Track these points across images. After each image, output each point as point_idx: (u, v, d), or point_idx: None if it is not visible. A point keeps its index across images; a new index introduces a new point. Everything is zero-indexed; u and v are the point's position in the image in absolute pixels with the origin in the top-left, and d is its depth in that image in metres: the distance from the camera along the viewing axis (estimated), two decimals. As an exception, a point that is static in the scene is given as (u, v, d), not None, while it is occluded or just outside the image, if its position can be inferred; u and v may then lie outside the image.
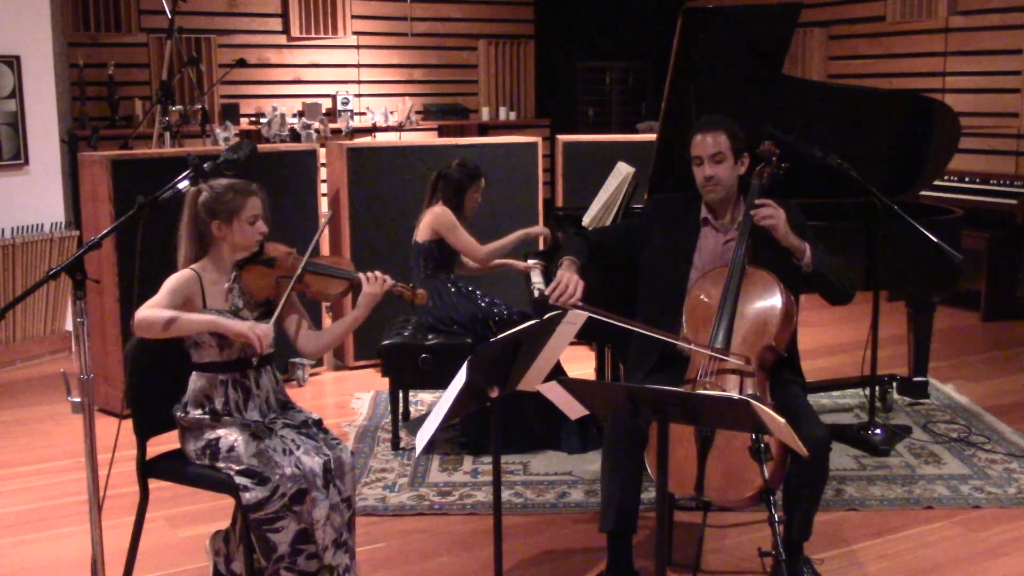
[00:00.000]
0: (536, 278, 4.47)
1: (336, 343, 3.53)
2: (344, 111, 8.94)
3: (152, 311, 2.89)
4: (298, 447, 2.98)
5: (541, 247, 4.78)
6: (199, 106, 7.50)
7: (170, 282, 2.99)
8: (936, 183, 6.78)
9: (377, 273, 3.16)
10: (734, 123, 3.39)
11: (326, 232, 5.86)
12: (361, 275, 3.15)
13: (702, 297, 3.26)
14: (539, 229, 4.98)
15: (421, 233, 4.56)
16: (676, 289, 3.37)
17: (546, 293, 3.24)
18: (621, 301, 3.52)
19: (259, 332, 2.92)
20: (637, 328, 3.14)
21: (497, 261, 4.70)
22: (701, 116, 4.14)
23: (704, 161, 3.34)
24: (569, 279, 3.25)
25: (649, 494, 3.47)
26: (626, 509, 3.16)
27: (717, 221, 3.42)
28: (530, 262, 4.71)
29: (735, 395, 2.41)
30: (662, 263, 3.45)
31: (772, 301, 3.18)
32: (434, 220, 4.51)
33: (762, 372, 3.12)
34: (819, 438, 3.02)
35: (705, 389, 3.03)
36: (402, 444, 4.51)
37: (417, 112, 9.26)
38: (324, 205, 5.87)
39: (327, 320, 5.78)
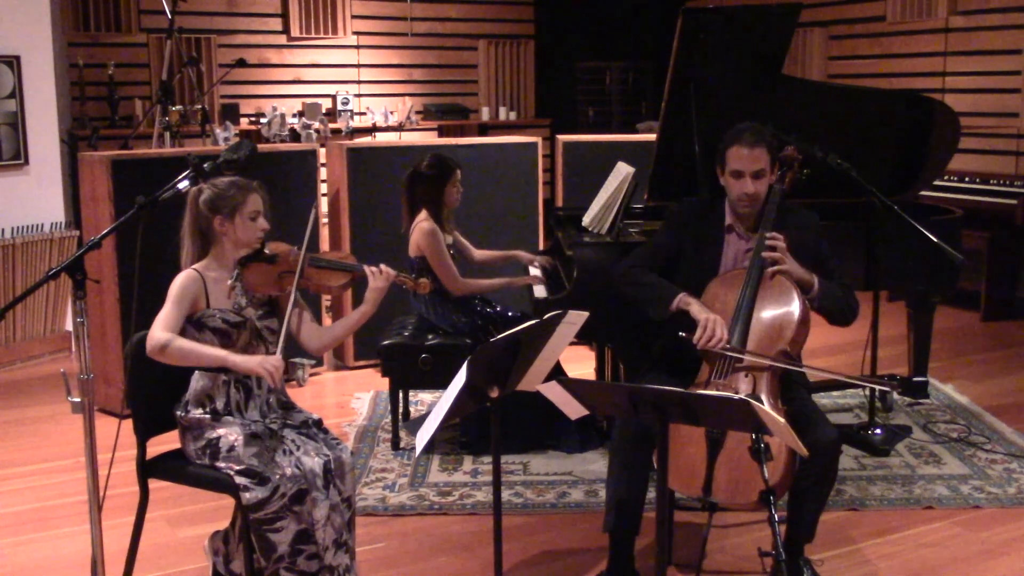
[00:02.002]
0: (539, 292, 4.46)
1: (341, 339, 3.51)
2: (344, 111, 8.94)
3: (166, 338, 2.90)
4: (298, 447, 2.98)
5: (542, 293, 4.52)
6: (199, 106, 7.50)
7: (174, 289, 2.99)
8: (936, 183, 6.78)
9: (382, 267, 3.16)
10: (769, 133, 3.32)
11: (325, 232, 5.89)
12: (367, 268, 3.15)
13: (716, 302, 3.24)
14: (527, 280, 4.65)
15: (412, 249, 4.49)
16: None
17: (694, 341, 3.09)
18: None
19: (268, 367, 2.91)
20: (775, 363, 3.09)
21: (497, 281, 4.61)
22: (701, 116, 4.16)
23: (745, 175, 3.26)
24: (715, 322, 3.12)
25: (650, 494, 3.47)
26: (630, 510, 3.16)
27: (740, 228, 3.39)
28: (533, 272, 4.69)
29: (735, 395, 2.41)
30: (691, 273, 3.39)
31: (790, 307, 3.17)
32: (421, 238, 4.42)
33: (774, 376, 3.11)
34: (831, 440, 3.02)
35: (717, 390, 3.03)
36: (402, 444, 4.51)
37: (417, 112, 9.26)
38: (324, 205, 5.87)
39: (327, 320, 5.77)
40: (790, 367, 3.09)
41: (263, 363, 2.92)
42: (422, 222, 4.45)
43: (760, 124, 3.34)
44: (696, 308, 3.20)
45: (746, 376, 3.09)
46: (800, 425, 2.83)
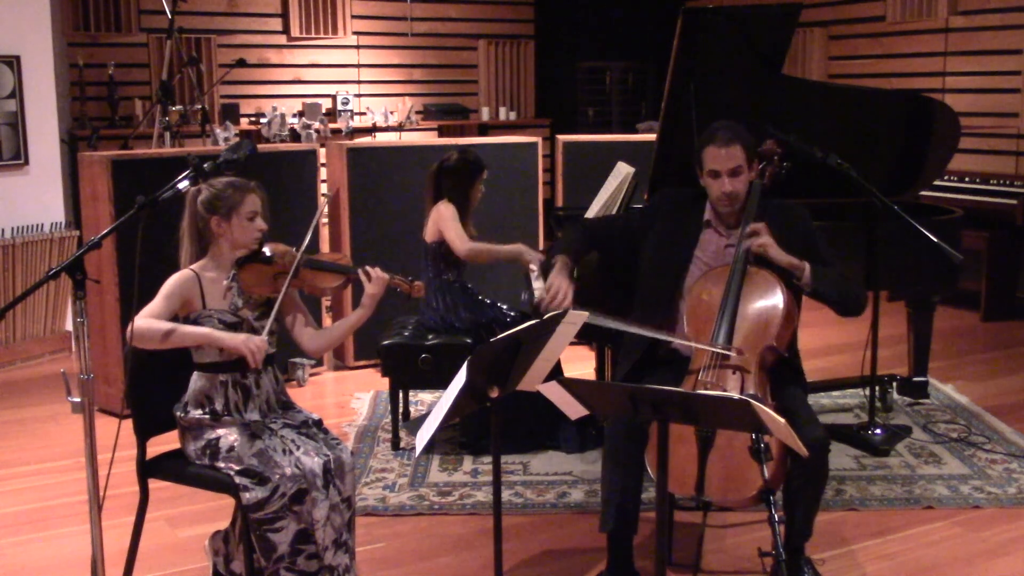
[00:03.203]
0: (536, 282, 4.45)
1: (339, 342, 3.52)
2: (344, 111, 8.94)
3: (148, 322, 2.90)
4: (298, 447, 2.98)
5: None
6: (199, 106, 7.49)
7: (167, 285, 2.99)
8: (936, 183, 6.78)
9: (377, 271, 3.16)
10: (744, 129, 3.33)
11: (326, 232, 5.89)
12: (360, 271, 3.15)
13: (703, 297, 3.25)
14: (535, 256, 4.44)
15: (428, 233, 4.49)
16: (673, 285, 3.36)
17: (536, 301, 3.24)
18: (619, 296, 3.52)
19: (251, 346, 2.92)
20: (630, 328, 3.14)
21: (505, 248, 4.47)
22: (701, 116, 4.16)
23: (722, 175, 3.27)
24: (559, 285, 3.29)
25: (649, 494, 3.47)
26: (626, 509, 3.16)
27: (720, 225, 3.41)
28: (532, 266, 4.68)
29: (735, 395, 2.41)
30: (661, 258, 3.43)
31: (774, 301, 3.18)
32: (437, 216, 4.45)
33: (762, 372, 3.12)
34: (818, 439, 3.02)
35: (706, 388, 3.04)
36: (402, 444, 4.51)
37: (417, 112, 9.26)
38: (323, 205, 5.87)
39: (327, 320, 5.77)
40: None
41: (247, 341, 2.93)
42: (439, 204, 4.46)
43: (734, 122, 3.35)
44: (555, 269, 3.38)
45: (734, 373, 3.09)
46: (788, 423, 2.83)
